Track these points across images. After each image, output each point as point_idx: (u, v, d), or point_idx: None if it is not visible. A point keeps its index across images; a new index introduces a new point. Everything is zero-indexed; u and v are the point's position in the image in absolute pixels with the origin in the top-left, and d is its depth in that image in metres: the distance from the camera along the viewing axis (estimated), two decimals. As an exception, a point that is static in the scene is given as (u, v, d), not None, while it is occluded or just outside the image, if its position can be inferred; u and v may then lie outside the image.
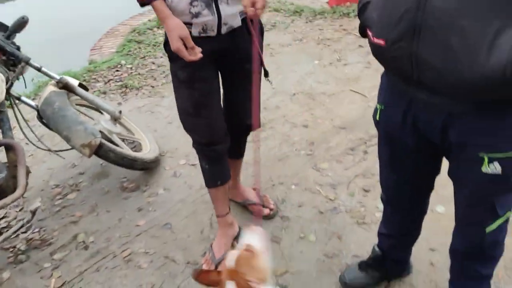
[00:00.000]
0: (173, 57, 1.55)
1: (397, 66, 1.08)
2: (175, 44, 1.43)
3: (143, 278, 1.88)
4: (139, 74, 3.79)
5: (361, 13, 1.16)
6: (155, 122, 3.06)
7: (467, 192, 1.22)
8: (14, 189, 1.95)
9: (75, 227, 2.21)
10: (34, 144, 2.30)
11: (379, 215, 2.01)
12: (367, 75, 3.42)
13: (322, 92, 3.24)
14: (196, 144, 1.82)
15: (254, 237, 1.26)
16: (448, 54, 0.92)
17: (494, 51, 0.87)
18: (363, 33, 1.19)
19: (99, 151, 2.22)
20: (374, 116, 1.33)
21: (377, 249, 1.70)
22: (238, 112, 1.83)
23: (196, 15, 1.46)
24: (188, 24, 1.48)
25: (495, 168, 1.08)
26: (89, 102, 2.49)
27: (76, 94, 2.41)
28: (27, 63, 2.15)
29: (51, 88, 2.34)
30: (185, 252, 1.99)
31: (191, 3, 1.44)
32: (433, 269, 1.78)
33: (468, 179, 1.17)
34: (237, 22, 1.54)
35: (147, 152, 2.55)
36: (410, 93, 1.11)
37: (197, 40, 1.48)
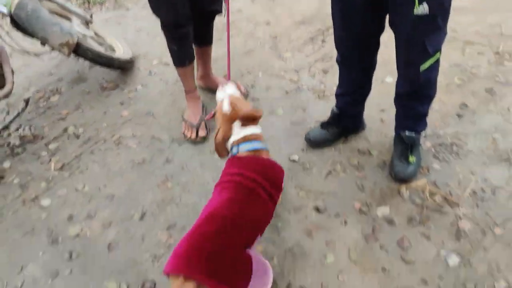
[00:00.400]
0: None
1: None
2: None
3: (134, 155, 2.13)
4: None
5: None
6: (124, 32, 3.18)
7: (404, 36, 1.49)
8: (2, 87, 2.11)
9: (64, 122, 2.40)
10: (12, 47, 2.40)
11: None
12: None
13: (281, -7, 3.41)
14: (164, 26, 2.00)
15: (231, 88, 1.53)
16: None
17: None
18: None
19: (78, 50, 2.37)
20: None
21: (335, 109, 2.00)
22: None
23: None
24: None
25: (423, 8, 1.34)
26: (60, 6, 2.58)
27: (48, -1, 2.49)
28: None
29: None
30: (168, 132, 2.24)
31: None
32: (383, 124, 2.11)
33: (404, 24, 1.44)
34: None
35: (122, 54, 2.70)
36: None
37: None
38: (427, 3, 1.34)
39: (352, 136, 2.06)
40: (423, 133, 1.87)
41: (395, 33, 1.53)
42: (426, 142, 1.96)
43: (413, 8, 1.35)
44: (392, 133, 1.97)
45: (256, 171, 1.34)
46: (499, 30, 2.69)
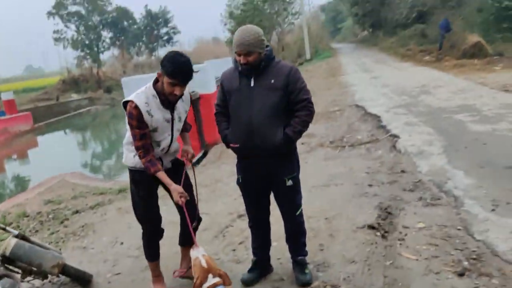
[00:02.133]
0: (136, 183, 3.07)
1: (245, 154, 2.95)
2: (177, 197, 2.87)
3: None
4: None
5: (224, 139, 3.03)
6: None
7: (283, 199, 3.07)
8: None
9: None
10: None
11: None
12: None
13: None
14: (147, 234, 3.22)
15: (202, 250, 2.73)
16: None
17: (278, 134, 2.82)
18: (227, 146, 3.04)
19: (63, 269, 3.30)
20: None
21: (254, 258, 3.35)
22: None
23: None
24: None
25: (291, 182, 3.00)
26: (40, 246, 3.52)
27: (30, 242, 3.45)
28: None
29: (13, 239, 3.35)
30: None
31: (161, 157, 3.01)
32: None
33: (281, 192, 3.04)
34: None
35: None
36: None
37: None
38: (292, 180, 2.99)
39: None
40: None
41: (276, 199, 3.12)
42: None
43: (286, 182, 2.98)
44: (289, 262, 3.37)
45: None
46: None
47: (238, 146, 2.92)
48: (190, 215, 2.98)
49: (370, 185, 4.91)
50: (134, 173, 3.05)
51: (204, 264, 2.60)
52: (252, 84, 2.84)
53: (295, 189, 3.04)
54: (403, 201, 4.37)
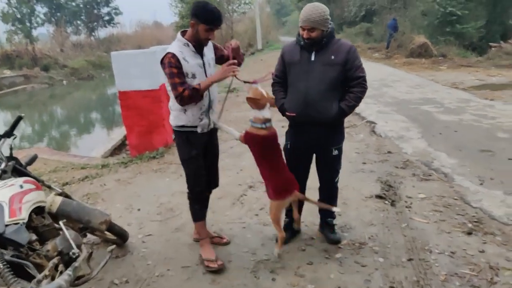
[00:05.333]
0: (189, 143, 3.22)
1: (299, 123, 3.25)
2: (229, 69, 2.93)
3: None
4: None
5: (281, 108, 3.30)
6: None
7: (326, 166, 3.40)
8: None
9: None
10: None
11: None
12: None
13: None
14: (193, 194, 3.40)
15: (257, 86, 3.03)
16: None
17: (334, 107, 3.14)
18: (283, 114, 3.32)
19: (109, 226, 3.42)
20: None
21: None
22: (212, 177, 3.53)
23: (201, 119, 3.21)
24: (194, 127, 3.20)
25: (337, 152, 3.33)
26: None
27: (72, 199, 3.52)
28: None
29: (58, 197, 3.40)
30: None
31: (199, 116, 3.18)
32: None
33: (327, 160, 3.36)
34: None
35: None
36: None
37: (198, 136, 3.25)
38: (337, 150, 3.32)
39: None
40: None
41: (318, 165, 3.45)
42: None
43: (332, 152, 3.31)
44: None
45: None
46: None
47: (295, 115, 3.19)
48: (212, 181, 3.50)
49: (364, 163, 5.37)
50: (187, 134, 3.20)
51: (265, 94, 3.03)
52: (312, 58, 3.11)
53: (339, 158, 3.37)
54: (399, 176, 4.87)
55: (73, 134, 13.46)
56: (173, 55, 2.98)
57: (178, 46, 3.05)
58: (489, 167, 4.98)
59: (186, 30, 3.11)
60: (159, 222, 4.13)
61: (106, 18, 50.74)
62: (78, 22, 50.24)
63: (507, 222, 3.69)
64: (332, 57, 3.07)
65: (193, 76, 3.05)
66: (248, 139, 3.13)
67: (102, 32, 47.70)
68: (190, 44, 3.06)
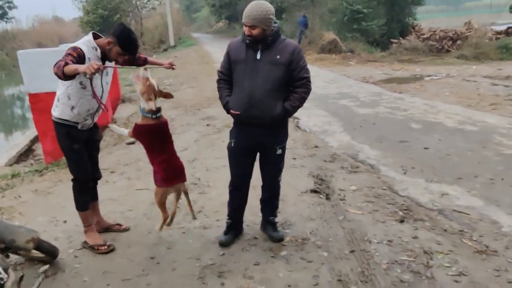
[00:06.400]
0: (71, 137, 3.28)
1: (244, 122, 3.20)
2: (95, 65, 2.66)
3: None
4: None
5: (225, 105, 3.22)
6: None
7: (269, 165, 3.38)
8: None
9: None
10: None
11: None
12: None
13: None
14: (78, 182, 3.39)
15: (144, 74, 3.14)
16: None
17: (278, 107, 3.13)
18: (228, 112, 3.24)
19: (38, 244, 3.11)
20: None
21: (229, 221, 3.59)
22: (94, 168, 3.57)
23: (85, 120, 3.27)
24: (76, 123, 3.24)
25: (280, 151, 3.32)
26: None
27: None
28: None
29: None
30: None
31: (85, 116, 3.25)
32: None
33: (270, 159, 3.34)
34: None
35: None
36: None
37: (79, 131, 3.28)
38: (281, 149, 3.32)
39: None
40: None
41: (262, 164, 3.42)
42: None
43: (276, 151, 3.30)
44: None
45: None
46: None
47: (239, 113, 3.14)
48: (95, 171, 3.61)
49: (294, 158, 5.47)
50: (69, 128, 3.27)
51: (155, 85, 3.20)
52: (258, 57, 3.08)
53: (282, 157, 3.38)
54: (329, 170, 5.03)
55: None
56: (81, 49, 3.02)
57: (87, 46, 3.09)
58: (409, 156, 5.33)
59: (98, 34, 3.22)
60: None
61: (-1, 12, 46.58)
62: (-36, 16, 45.61)
63: (432, 208, 3.97)
64: (278, 56, 3.06)
65: (89, 78, 3.02)
66: (137, 132, 3.30)
67: (-5, 27, 43.71)
68: (98, 49, 3.13)
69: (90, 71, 2.67)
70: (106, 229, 3.80)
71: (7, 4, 46.72)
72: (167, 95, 3.39)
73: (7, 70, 28.78)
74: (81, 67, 2.77)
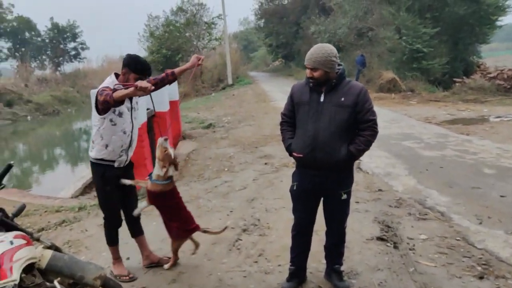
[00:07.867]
0: (104, 178, 3.49)
1: (306, 164, 3.10)
2: (143, 84, 2.94)
3: None
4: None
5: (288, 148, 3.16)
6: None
7: (334, 211, 3.25)
8: None
9: None
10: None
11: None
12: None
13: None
14: (108, 221, 3.71)
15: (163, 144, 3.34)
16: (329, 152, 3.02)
17: (342, 150, 3.02)
18: (290, 154, 3.17)
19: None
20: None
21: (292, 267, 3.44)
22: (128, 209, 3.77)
23: (120, 156, 3.42)
24: (112, 161, 3.41)
25: (346, 196, 3.18)
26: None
27: (63, 252, 3.19)
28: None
29: (47, 250, 3.07)
30: None
31: (119, 152, 3.43)
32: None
33: (335, 204, 3.21)
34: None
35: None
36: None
37: (115, 170, 3.46)
38: (346, 194, 3.18)
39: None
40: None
41: (326, 210, 3.28)
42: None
43: (341, 196, 3.17)
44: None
45: None
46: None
47: (302, 156, 3.06)
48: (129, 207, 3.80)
49: (357, 202, 5.25)
50: (105, 168, 3.49)
51: (172, 154, 3.46)
52: (322, 100, 3.02)
53: (348, 202, 3.23)
54: (395, 216, 4.77)
55: (35, 172, 12.84)
56: (110, 88, 3.20)
57: (112, 86, 3.27)
58: (484, 204, 4.96)
59: (119, 74, 3.41)
60: (153, 271, 3.84)
61: (73, 53, 50.24)
62: (44, 57, 49.55)
63: (515, 264, 3.61)
64: (342, 99, 2.99)
65: (120, 115, 3.35)
66: (152, 199, 3.65)
67: (68, 67, 47.17)
68: (121, 87, 3.24)
69: (141, 89, 2.91)
70: (157, 263, 3.91)
71: (80, 46, 50.46)
72: (176, 166, 3.65)
73: (77, 106, 30.72)
74: (130, 89, 2.98)
